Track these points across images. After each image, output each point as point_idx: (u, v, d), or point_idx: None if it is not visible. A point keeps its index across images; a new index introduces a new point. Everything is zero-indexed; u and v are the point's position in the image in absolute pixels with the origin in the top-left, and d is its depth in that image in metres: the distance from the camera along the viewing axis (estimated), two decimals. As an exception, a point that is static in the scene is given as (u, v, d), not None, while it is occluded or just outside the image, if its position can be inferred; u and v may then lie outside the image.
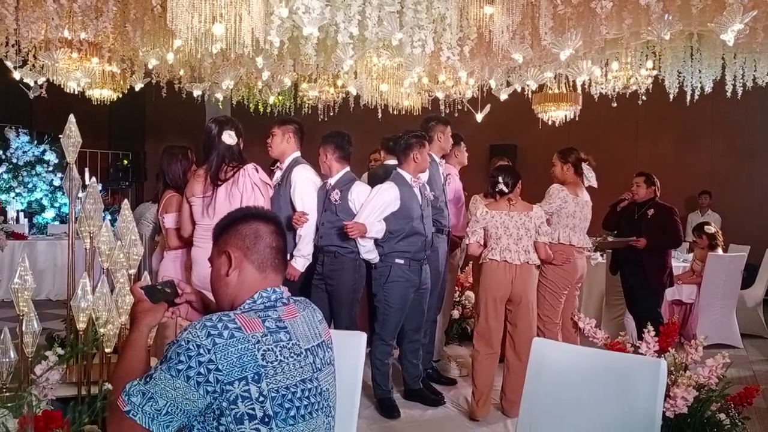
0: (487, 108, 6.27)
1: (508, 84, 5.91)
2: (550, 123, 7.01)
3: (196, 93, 6.68)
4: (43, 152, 10.09)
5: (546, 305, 4.53)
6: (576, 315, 4.46)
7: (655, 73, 5.78)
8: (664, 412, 2.98)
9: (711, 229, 6.24)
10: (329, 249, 4.05)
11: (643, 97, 5.92)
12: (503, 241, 4.04)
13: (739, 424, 3.15)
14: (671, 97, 6.00)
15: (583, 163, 4.60)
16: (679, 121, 8.59)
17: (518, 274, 4.02)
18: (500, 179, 4.09)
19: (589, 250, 5.93)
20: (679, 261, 6.71)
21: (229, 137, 3.45)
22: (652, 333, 3.39)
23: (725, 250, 6.48)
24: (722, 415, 3.12)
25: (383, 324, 4.06)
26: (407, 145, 4.10)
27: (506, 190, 4.08)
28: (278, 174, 4.16)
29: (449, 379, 4.71)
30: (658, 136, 9.09)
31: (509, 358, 4.09)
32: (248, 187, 3.40)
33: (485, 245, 4.12)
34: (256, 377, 1.43)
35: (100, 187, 3.13)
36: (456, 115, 6.43)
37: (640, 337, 3.47)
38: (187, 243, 3.65)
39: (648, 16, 3.76)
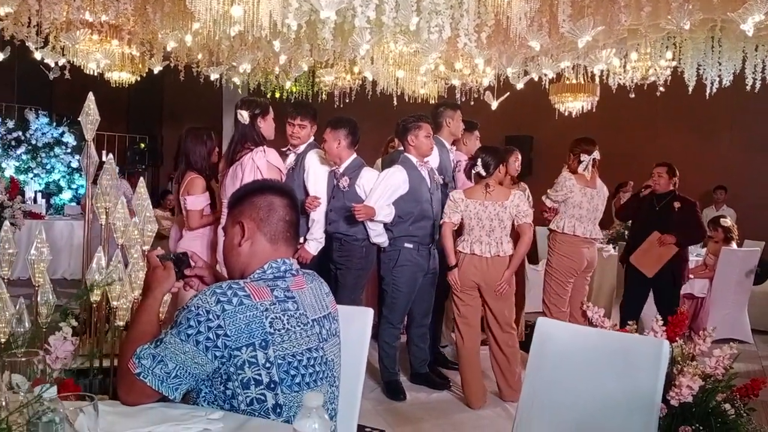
0: (505, 96, 6.24)
1: (525, 73, 5.88)
2: (566, 114, 6.97)
3: (214, 77, 6.72)
4: (62, 134, 10.22)
5: (552, 293, 4.56)
6: (585, 305, 4.46)
7: (674, 64, 5.72)
8: (669, 401, 2.99)
9: (727, 222, 6.19)
10: (337, 236, 4.09)
11: (662, 89, 5.86)
12: (475, 232, 3.93)
13: (745, 415, 3.14)
14: (690, 89, 5.94)
15: (582, 154, 4.57)
16: (698, 115, 8.49)
17: (489, 267, 3.92)
18: (479, 161, 3.93)
19: (600, 242, 5.93)
20: (692, 255, 6.67)
21: (240, 116, 3.49)
22: (660, 322, 3.38)
23: (740, 245, 6.43)
24: (727, 406, 3.10)
25: (391, 308, 4.09)
26: (403, 128, 4.10)
27: (484, 173, 3.92)
28: (291, 158, 4.20)
29: (455, 364, 4.73)
30: (676, 129, 9.00)
31: (491, 347, 4.05)
32: (247, 170, 3.41)
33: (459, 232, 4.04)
34: (264, 344, 1.46)
35: (117, 169, 3.16)
36: (472, 103, 6.43)
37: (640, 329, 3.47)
38: (209, 223, 3.70)
39: (668, 5, 3.74)
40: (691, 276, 6.10)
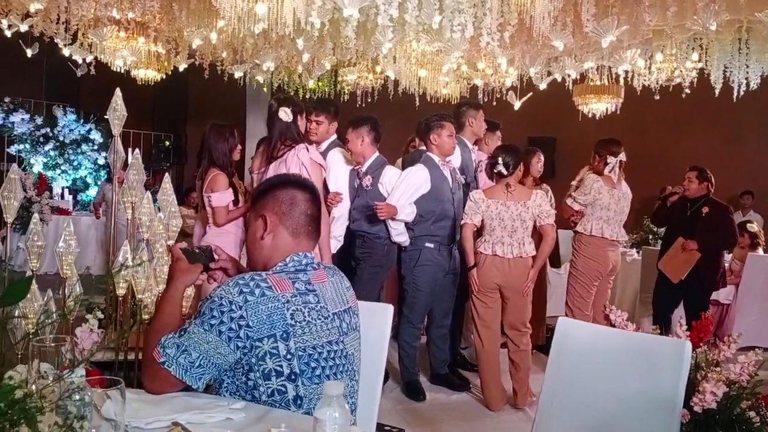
0: (528, 96, 6.21)
1: (549, 74, 5.85)
2: (590, 115, 6.92)
3: (238, 75, 6.77)
4: (89, 131, 10.40)
5: (576, 296, 4.53)
6: (608, 308, 4.42)
7: (700, 65, 5.64)
8: (692, 407, 2.96)
9: (753, 227, 6.10)
10: (360, 233, 4.12)
11: (687, 91, 5.79)
12: (497, 232, 3.86)
13: (770, 422, 3.09)
14: (717, 91, 5.86)
15: (608, 155, 4.53)
16: (724, 118, 8.35)
17: (511, 269, 3.86)
18: (499, 160, 3.86)
19: (624, 245, 5.87)
20: (722, 261, 6.57)
21: (284, 114, 3.49)
22: (684, 327, 3.34)
23: (766, 251, 6.32)
24: (752, 413, 3.06)
25: (411, 307, 4.10)
26: (426, 127, 4.10)
27: (505, 172, 3.86)
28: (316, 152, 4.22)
29: (475, 366, 4.71)
30: (702, 132, 8.87)
31: (508, 348, 4.00)
32: (294, 166, 3.43)
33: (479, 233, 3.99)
34: (285, 335, 1.48)
35: (143, 166, 3.20)
36: (494, 104, 6.40)
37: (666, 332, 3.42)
38: (234, 219, 3.70)
39: (694, 5, 3.70)
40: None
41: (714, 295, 5.96)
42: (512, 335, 3.98)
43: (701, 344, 3.35)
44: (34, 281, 2.41)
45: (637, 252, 6.48)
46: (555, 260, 6.39)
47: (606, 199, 4.50)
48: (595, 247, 4.51)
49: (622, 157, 4.59)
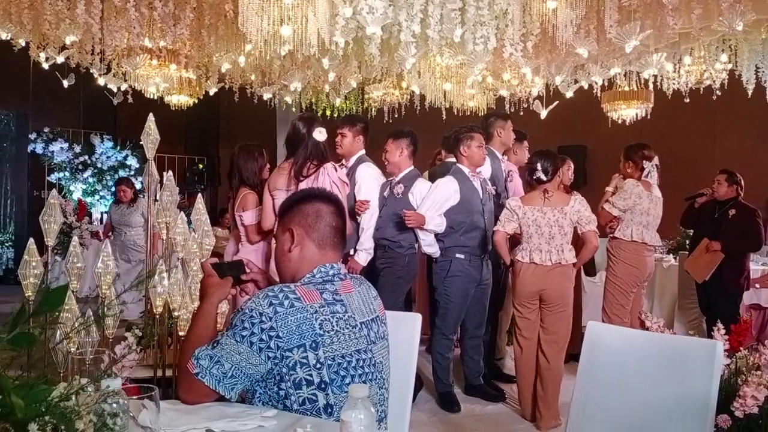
0: (554, 104, 6.19)
1: (575, 82, 5.83)
2: (620, 122, 6.85)
3: (267, 96, 6.91)
4: (125, 157, 10.69)
5: (615, 303, 4.46)
6: (643, 314, 4.36)
7: (730, 66, 5.56)
8: (733, 412, 2.89)
9: (791, 229, 5.93)
10: (382, 242, 4.15)
11: (718, 93, 5.70)
12: (534, 240, 3.76)
13: (816, 427, 2.99)
14: (749, 92, 5.75)
15: (643, 161, 4.50)
16: (759, 119, 8.18)
17: (550, 277, 3.75)
18: (538, 166, 3.77)
19: (660, 251, 5.78)
20: (758, 264, 6.41)
21: (319, 134, 3.54)
22: (722, 331, 3.27)
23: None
24: (798, 417, 2.97)
25: (444, 318, 4.10)
26: (455, 139, 4.12)
27: (545, 178, 3.77)
28: (342, 171, 4.28)
29: (510, 377, 4.68)
30: (736, 135, 8.68)
31: (539, 364, 3.85)
32: (327, 185, 3.48)
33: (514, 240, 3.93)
34: (314, 345, 1.51)
35: (177, 189, 3.29)
36: (521, 114, 6.39)
37: (710, 337, 3.35)
38: (266, 236, 3.78)
39: (719, 6, 3.66)
40: (757, 285, 5.87)
41: (755, 299, 5.84)
42: (548, 349, 3.83)
43: (741, 348, 3.29)
44: (74, 300, 2.51)
45: (674, 258, 6.37)
46: (590, 269, 6.32)
47: (646, 203, 4.46)
48: (634, 253, 4.47)
49: (656, 160, 4.57)
